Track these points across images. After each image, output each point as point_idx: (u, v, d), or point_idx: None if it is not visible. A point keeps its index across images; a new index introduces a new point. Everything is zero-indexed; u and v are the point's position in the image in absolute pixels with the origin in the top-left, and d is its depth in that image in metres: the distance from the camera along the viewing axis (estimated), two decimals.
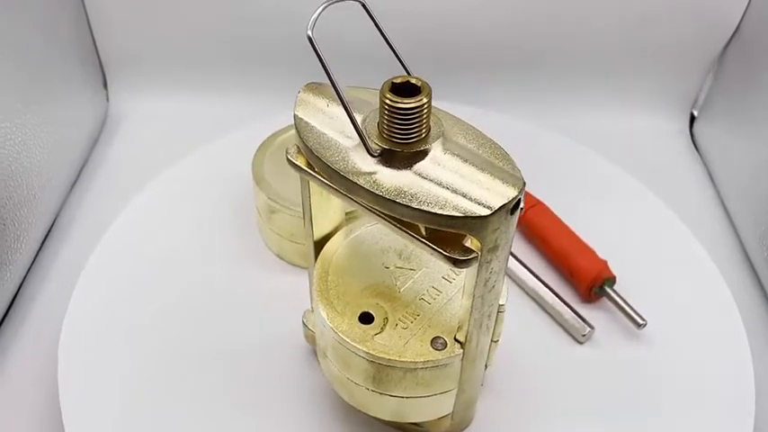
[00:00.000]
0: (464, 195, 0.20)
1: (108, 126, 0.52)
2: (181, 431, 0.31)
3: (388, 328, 0.25)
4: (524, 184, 0.21)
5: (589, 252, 0.35)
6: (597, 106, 0.54)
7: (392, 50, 0.22)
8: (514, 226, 0.22)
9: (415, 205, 0.20)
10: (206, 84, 0.53)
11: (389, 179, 0.21)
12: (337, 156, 0.22)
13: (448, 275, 0.27)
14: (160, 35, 0.52)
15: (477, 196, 0.20)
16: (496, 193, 0.20)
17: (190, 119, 0.52)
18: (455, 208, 0.20)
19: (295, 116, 0.23)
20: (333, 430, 0.30)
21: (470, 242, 0.21)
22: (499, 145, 0.22)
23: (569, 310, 0.34)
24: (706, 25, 0.50)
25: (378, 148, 0.21)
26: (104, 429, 0.30)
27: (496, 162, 0.21)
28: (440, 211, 0.20)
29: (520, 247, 0.38)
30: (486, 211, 0.20)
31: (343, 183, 0.21)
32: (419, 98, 0.21)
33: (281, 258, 0.37)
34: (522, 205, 0.21)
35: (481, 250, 0.21)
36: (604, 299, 0.35)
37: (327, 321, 0.25)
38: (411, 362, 0.24)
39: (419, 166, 0.21)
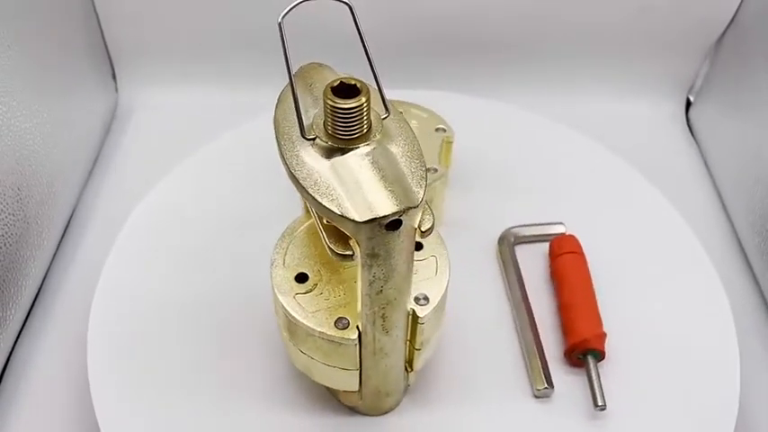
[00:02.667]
0: (354, 198, 0.22)
1: (118, 117, 0.53)
2: (212, 423, 0.32)
3: (313, 292, 0.28)
4: (411, 208, 0.22)
5: (593, 318, 0.34)
6: (594, 91, 0.54)
7: (366, 55, 0.24)
8: (405, 243, 0.23)
9: (311, 192, 0.23)
10: (215, 73, 0.53)
11: (309, 165, 0.23)
12: (288, 131, 0.24)
13: None
14: (168, 25, 0.52)
15: (363, 202, 0.22)
16: (376, 206, 0.22)
17: (200, 107, 0.52)
18: (339, 206, 0.22)
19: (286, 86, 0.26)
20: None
21: (353, 242, 0.23)
22: (423, 162, 0.23)
23: (538, 360, 0.33)
24: (703, 12, 0.50)
25: (313, 135, 0.24)
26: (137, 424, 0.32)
27: (407, 178, 0.23)
28: (326, 204, 0.22)
29: (541, 284, 0.37)
30: (357, 218, 0.22)
31: (281, 154, 0.24)
32: (358, 99, 0.23)
33: None
34: (414, 225, 0.23)
35: (360, 252, 0.23)
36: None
37: (270, 269, 0.29)
38: (309, 327, 0.27)
39: (338, 160, 0.23)
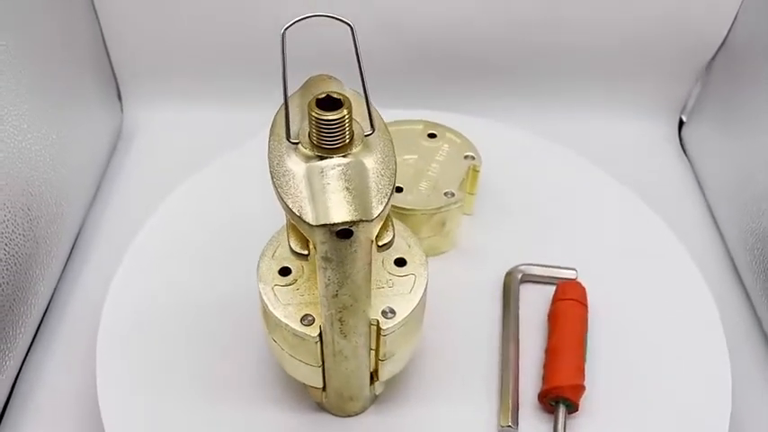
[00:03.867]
0: (315, 202, 0.24)
1: (124, 137, 0.54)
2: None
3: (291, 287, 0.30)
4: (364, 221, 0.23)
5: (574, 368, 0.33)
6: (589, 111, 0.57)
7: (360, 74, 0.25)
8: (359, 253, 0.24)
9: (279, 190, 0.24)
10: (218, 93, 0.54)
11: (287, 166, 0.25)
12: (280, 133, 0.26)
13: (387, 279, 0.30)
14: (172, 47, 0.53)
15: (321, 207, 0.23)
16: (331, 213, 0.23)
17: (203, 126, 0.53)
18: (299, 207, 0.24)
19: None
20: None
21: (311, 244, 0.25)
22: (393, 181, 0.24)
23: (510, 398, 0.33)
24: (695, 36, 0.53)
25: (297, 140, 0.25)
26: None
27: (371, 192, 0.24)
28: (288, 203, 0.24)
29: (539, 325, 0.37)
30: (311, 221, 0.23)
31: (268, 151, 0.26)
32: (339, 112, 0.24)
33: None
34: (370, 238, 0.24)
35: (316, 255, 0.24)
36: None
37: (259, 259, 0.31)
38: (277, 317, 0.29)
39: (313, 166, 0.25)
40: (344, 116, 0.24)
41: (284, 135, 0.26)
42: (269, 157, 0.26)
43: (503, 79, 0.55)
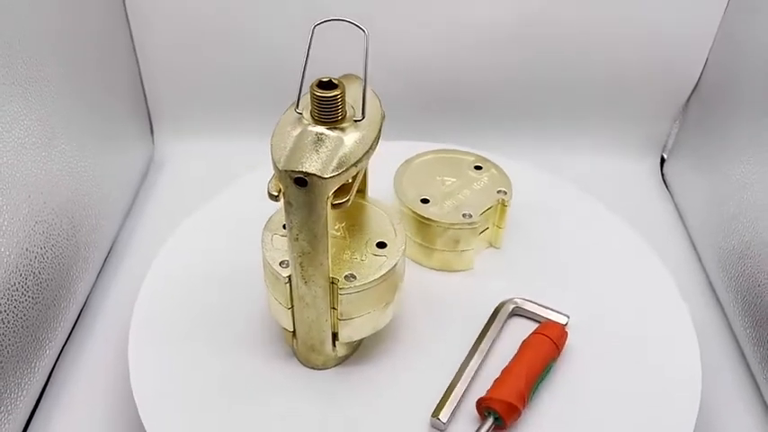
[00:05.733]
0: (290, 154, 0.30)
1: (154, 166, 0.63)
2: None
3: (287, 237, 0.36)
4: (316, 176, 0.29)
5: (516, 389, 0.35)
6: (579, 150, 0.65)
7: (364, 75, 0.31)
8: (315, 206, 0.30)
9: (272, 142, 0.31)
10: (242, 128, 0.61)
11: (287, 129, 0.31)
12: (292, 110, 0.33)
13: (363, 255, 0.36)
14: (198, 91, 0.62)
15: (292, 158, 0.29)
16: (293, 163, 0.29)
17: (223, 158, 0.61)
18: (278, 156, 0.30)
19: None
20: None
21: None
22: (359, 157, 0.30)
23: (450, 395, 0.36)
24: (671, 80, 0.61)
25: (301, 111, 0.32)
26: None
27: (335, 159, 0.30)
28: (272, 151, 0.30)
29: (512, 350, 0.39)
30: (277, 164, 0.29)
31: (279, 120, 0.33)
32: (332, 92, 0.30)
33: None
34: (323, 195, 0.30)
35: (283, 198, 0.30)
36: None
37: (273, 213, 0.37)
38: (265, 257, 0.35)
39: (305, 130, 0.31)
40: (336, 95, 0.30)
41: (292, 110, 0.33)
42: (277, 123, 0.33)
43: (506, 120, 0.64)
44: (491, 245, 0.46)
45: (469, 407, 0.37)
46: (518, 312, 0.41)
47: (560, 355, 0.38)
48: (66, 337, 0.46)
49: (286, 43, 0.58)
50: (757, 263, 0.45)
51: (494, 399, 0.35)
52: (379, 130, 0.33)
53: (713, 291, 0.52)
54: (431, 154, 0.47)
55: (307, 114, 0.32)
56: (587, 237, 0.47)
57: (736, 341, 0.48)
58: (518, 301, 0.41)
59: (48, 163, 0.42)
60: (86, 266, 0.48)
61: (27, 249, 0.39)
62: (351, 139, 0.31)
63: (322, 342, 0.37)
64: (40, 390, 0.43)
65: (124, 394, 0.41)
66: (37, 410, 0.42)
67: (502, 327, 0.40)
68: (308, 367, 0.39)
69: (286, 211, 0.31)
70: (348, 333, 0.36)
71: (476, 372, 0.38)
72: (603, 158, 0.64)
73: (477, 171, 0.46)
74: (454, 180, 0.45)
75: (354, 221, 0.38)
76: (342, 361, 0.39)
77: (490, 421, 0.35)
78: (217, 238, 0.47)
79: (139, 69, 0.61)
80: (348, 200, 0.31)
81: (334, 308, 0.35)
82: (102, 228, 0.50)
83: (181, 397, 0.38)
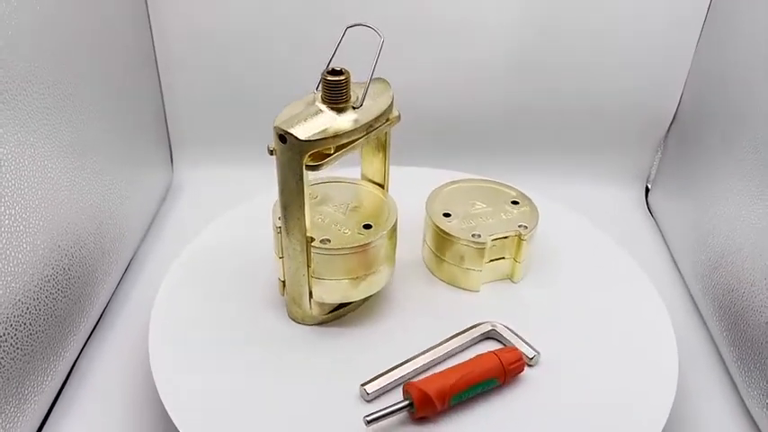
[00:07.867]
0: (293, 118, 0.36)
1: (172, 191, 0.69)
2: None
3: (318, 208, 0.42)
4: (295, 137, 0.35)
5: (439, 386, 0.37)
6: (568, 180, 0.71)
7: (371, 74, 0.37)
8: (293, 163, 0.36)
9: (285, 109, 0.38)
10: (254, 158, 0.62)
11: (301, 104, 0.38)
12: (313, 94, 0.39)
13: (347, 229, 0.41)
14: (214, 124, 0.69)
15: (286, 120, 0.36)
16: (284, 123, 0.36)
17: (236, 184, 0.65)
18: (285, 117, 0.37)
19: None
20: None
21: None
22: (347, 136, 0.36)
23: (386, 375, 0.39)
24: (651, 115, 0.68)
25: (318, 93, 0.38)
26: None
27: (323, 130, 0.36)
28: (282, 113, 0.37)
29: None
30: (275, 122, 0.36)
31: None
32: (338, 77, 0.37)
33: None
34: (299, 155, 0.36)
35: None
36: None
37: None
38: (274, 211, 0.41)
39: (315, 106, 0.37)
40: (341, 80, 0.37)
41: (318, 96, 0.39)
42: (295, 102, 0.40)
43: (501, 155, 0.70)
44: (509, 278, 0.47)
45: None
46: (493, 336, 0.42)
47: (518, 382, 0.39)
48: (91, 329, 0.51)
49: (301, 82, 0.54)
50: (730, 271, 0.50)
51: (414, 385, 0.37)
52: (377, 119, 0.38)
53: (700, 315, 0.55)
54: (477, 182, 0.51)
55: (319, 95, 0.38)
56: (606, 287, 0.48)
57: (714, 342, 0.52)
58: (497, 325, 0.42)
59: (80, 172, 0.48)
60: (110, 269, 0.53)
61: (59, 246, 0.44)
62: (344, 118, 0.37)
63: (300, 296, 0.42)
64: (65, 375, 0.47)
65: (141, 381, 0.46)
66: (61, 395, 0.47)
67: (472, 341, 0.42)
68: (292, 319, 0.44)
69: (276, 165, 0.38)
70: (320, 293, 0.41)
71: (424, 366, 0.40)
72: (590, 187, 0.70)
73: (514, 206, 0.48)
74: (485, 206, 0.48)
75: (360, 205, 0.43)
76: (321, 323, 0.44)
77: (403, 404, 0.37)
78: (236, 235, 0.52)
79: (163, 103, 0.69)
80: (320, 165, 0.37)
81: (309, 266, 0.41)
82: (125, 238, 0.56)
83: (197, 368, 0.41)
